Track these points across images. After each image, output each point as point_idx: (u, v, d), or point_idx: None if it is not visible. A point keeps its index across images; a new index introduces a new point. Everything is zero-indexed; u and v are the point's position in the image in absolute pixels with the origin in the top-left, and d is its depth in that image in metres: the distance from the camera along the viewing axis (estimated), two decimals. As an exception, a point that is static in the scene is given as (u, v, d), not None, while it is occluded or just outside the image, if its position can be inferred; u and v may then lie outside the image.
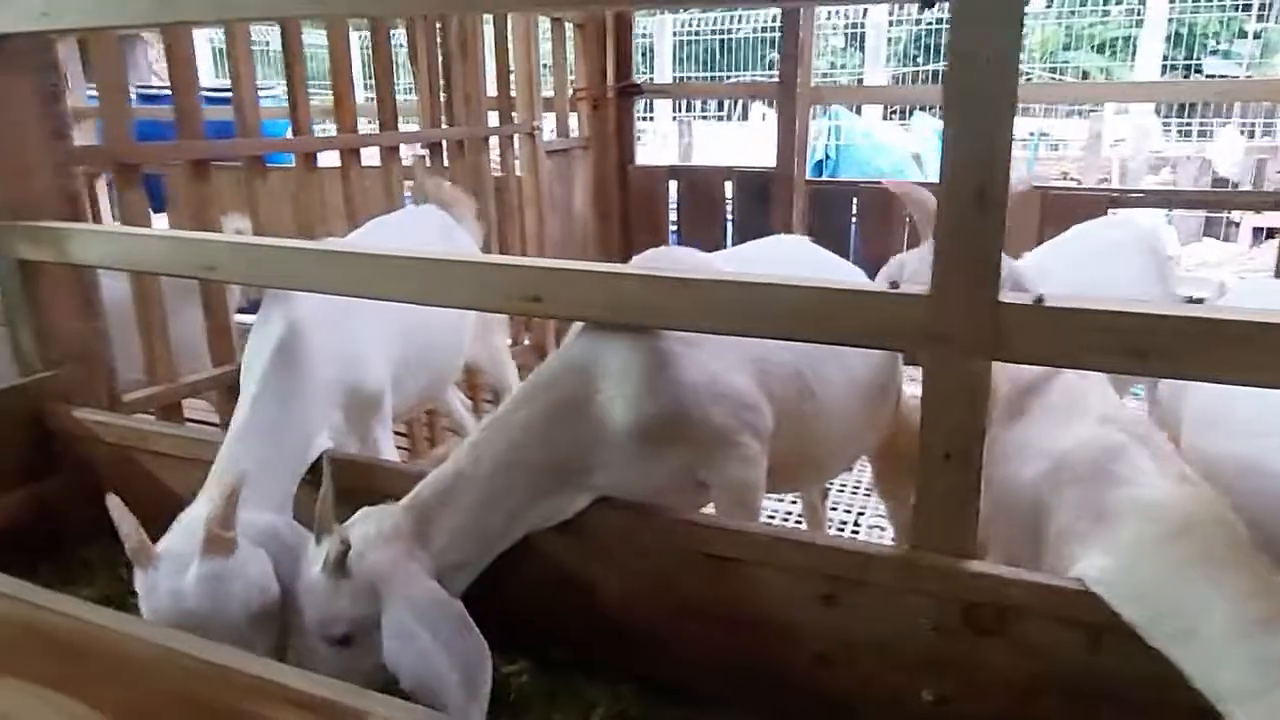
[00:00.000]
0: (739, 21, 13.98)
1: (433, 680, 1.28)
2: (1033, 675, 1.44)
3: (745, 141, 10.13)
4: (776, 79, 4.31)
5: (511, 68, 3.80)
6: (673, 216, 4.85)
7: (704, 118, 12.07)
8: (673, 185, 4.78)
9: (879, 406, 1.95)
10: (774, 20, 14.31)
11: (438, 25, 3.39)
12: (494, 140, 3.84)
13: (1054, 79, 13.36)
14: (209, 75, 9.67)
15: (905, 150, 8.56)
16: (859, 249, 4.32)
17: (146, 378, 2.59)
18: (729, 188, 4.65)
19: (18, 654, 1.38)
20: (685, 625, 1.62)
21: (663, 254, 1.75)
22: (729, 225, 4.70)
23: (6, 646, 1.39)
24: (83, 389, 2.24)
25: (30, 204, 2.12)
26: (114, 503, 1.42)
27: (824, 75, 14.89)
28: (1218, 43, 13.73)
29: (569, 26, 4.27)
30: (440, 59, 3.42)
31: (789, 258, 1.96)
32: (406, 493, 1.61)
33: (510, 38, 3.75)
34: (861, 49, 13.37)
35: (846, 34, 15.45)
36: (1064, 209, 3.83)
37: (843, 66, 15.22)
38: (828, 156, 8.10)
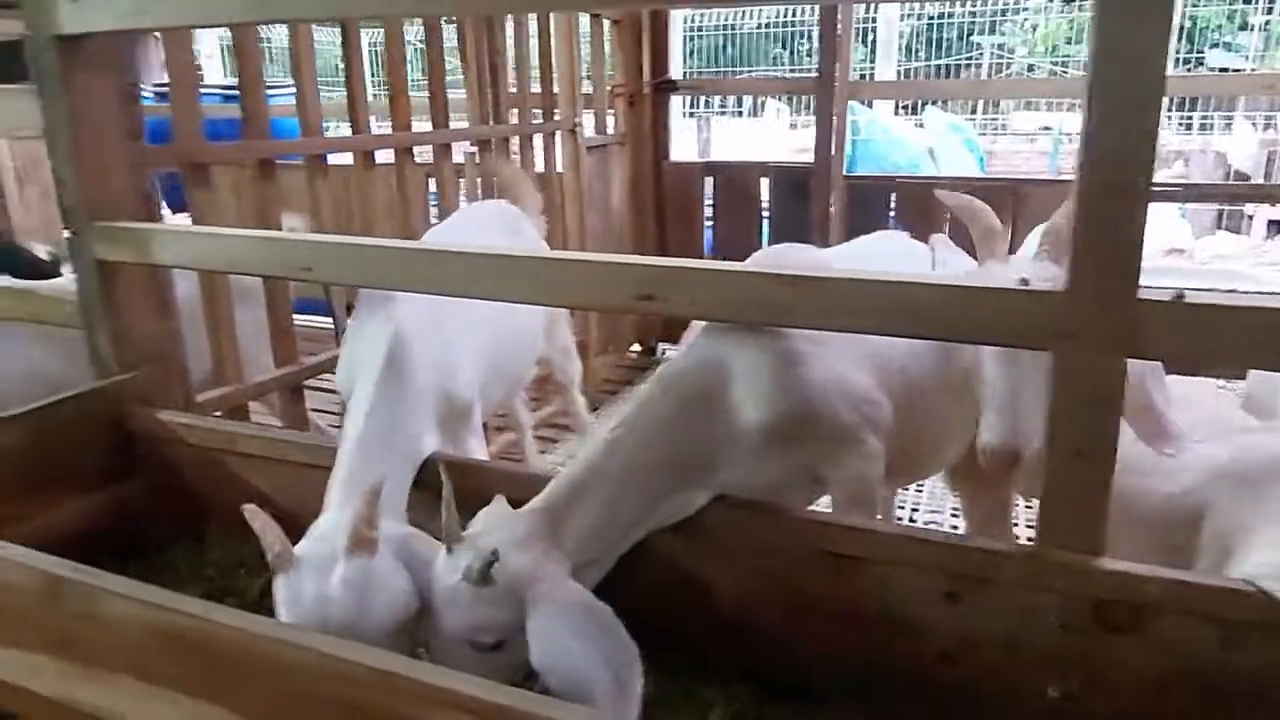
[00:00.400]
0: (744, 17, 13.97)
1: (583, 683, 1.27)
2: (1165, 672, 1.43)
3: (759, 138, 10.13)
4: (815, 74, 4.30)
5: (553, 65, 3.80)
6: (707, 212, 4.84)
7: (722, 113, 12.04)
8: (708, 181, 4.76)
9: (972, 403, 1.94)
10: (779, 16, 14.35)
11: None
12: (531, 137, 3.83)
13: (1059, 73, 13.38)
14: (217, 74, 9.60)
15: (921, 145, 8.56)
16: (898, 244, 4.31)
17: (212, 378, 2.58)
18: (765, 183, 4.64)
19: (141, 656, 1.36)
20: (803, 624, 1.61)
21: (780, 251, 1.74)
22: (764, 221, 4.70)
23: (129, 648, 1.37)
24: (159, 391, 2.22)
25: (108, 204, 2.10)
26: (252, 510, 1.40)
27: (828, 70, 14.87)
28: (1221, 35, 13.74)
29: (606, 23, 4.25)
30: (488, 57, 3.41)
31: (900, 254, 1.95)
32: (512, 493, 1.60)
33: (553, 35, 3.74)
34: (864, 43, 13.34)
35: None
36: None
37: (846, 61, 15.17)
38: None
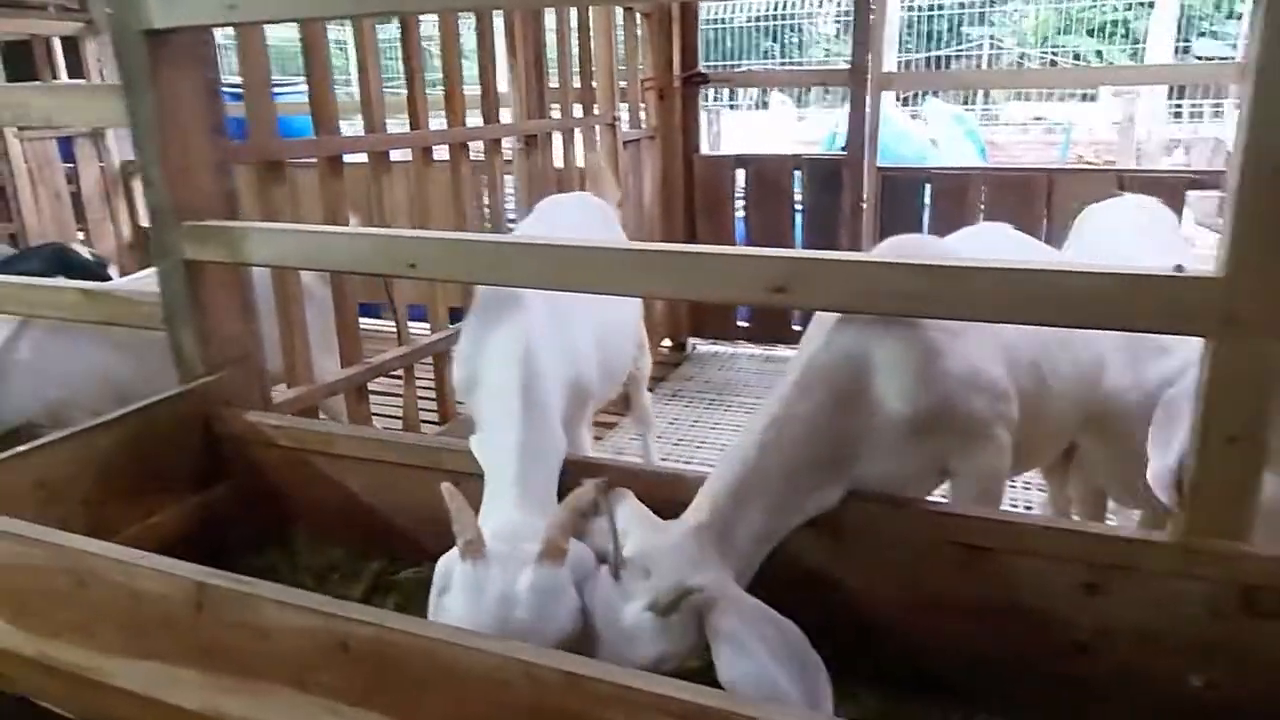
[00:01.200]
0: (734, 11, 13.99)
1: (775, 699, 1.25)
2: (1315, 657, 1.44)
3: (766, 130, 10.15)
4: (848, 65, 4.29)
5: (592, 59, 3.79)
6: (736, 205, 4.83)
7: (731, 107, 12.05)
8: (739, 174, 4.75)
9: (1094, 395, 1.93)
10: (771, 10, 14.37)
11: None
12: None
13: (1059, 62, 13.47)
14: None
15: (923, 137, 8.59)
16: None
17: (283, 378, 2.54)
18: (797, 176, 4.63)
19: (298, 665, 1.33)
20: (932, 617, 1.60)
21: (900, 243, 1.72)
22: (796, 214, 4.69)
23: (284, 657, 1.33)
24: (240, 393, 2.18)
25: (194, 203, 2.05)
26: (450, 490, 1.37)
27: (820, 62, 14.96)
28: (1210, 24, 13.87)
29: (639, 17, 4.23)
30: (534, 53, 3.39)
31: (1020, 244, 1.94)
32: (638, 491, 1.58)
33: (591, 30, 3.72)
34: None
35: (839, 23, 15.45)
36: (1141, 189, 3.86)
37: (837, 54, 15.22)
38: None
